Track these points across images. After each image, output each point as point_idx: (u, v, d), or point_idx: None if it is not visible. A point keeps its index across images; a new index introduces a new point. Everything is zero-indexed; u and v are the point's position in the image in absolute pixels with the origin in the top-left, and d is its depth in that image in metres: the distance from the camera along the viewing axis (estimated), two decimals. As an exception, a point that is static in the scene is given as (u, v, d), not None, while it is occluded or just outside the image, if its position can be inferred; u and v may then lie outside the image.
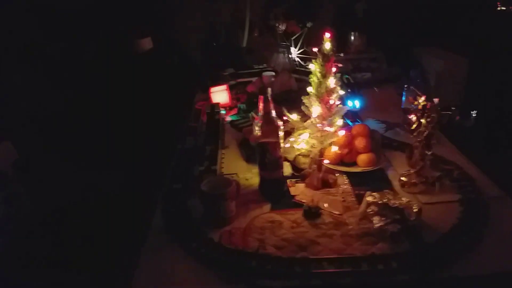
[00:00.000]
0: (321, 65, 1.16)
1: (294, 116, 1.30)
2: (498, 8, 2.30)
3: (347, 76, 1.79)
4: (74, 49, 2.27)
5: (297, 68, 2.25)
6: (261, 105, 1.17)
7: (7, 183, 1.54)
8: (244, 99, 2.02)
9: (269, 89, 1.16)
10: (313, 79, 1.19)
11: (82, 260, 1.46)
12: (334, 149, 1.30)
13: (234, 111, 1.95)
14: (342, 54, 1.22)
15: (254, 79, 2.18)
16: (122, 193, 2.04)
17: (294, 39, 2.25)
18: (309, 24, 2.28)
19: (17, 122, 1.98)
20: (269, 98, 1.16)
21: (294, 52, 2.28)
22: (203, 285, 0.94)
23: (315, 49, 1.18)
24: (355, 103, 1.79)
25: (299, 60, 2.28)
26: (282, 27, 2.28)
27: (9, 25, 2.14)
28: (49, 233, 1.56)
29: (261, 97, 1.16)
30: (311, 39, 2.25)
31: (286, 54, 2.25)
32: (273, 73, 2.10)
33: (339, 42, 2.17)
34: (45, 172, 2.02)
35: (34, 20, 2.21)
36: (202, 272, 0.97)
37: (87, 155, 2.21)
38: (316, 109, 1.19)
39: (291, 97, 1.88)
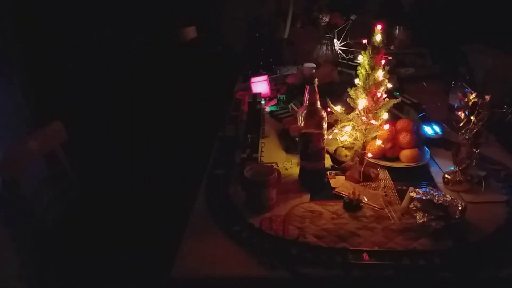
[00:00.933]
0: (370, 57, 1.15)
1: (338, 108, 1.30)
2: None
3: (397, 94, 1.71)
4: (121, 37, 2.34)
5: (339, 60, 2.23)
6: (306, 96, 1.17)
7: (57, 163, 1.61)
8: (283, 90, 2.03)
9: (316, 80, 1.16)
10: (361, 71, 1.18)
11: (123, 244, 1.52)
12: (378, 143, 1.29)
13: (274, 102, 1.96)
14: (392, 47, 1.19)
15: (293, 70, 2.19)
16: (165, 179, 2.10)
17: (337, 31, 2.23)
18: (353, 17, 2.25)
19: (67, 104, 2.07)
20: (315, 89, 1.17)
21: (337, 44, 2.26)
22: (244, 269, 0.96)
23: (364, 41, 1.17)
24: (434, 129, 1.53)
25: (341, 52, 2.26)
26: (326, 19, 2.26)
27: (57, 13, 2.23)
28: (93, 215, 1.62)
29: (307, 87, 1.16)
30: (355, 32, 2.23)
31: (329, 46, 2.24)
32: (314, 65, 2.09)
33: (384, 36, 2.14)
34: (90, 155, 2.11)
35: (80, 8, 2.29)
36: (243, 256, 0.99)
37: (130, 140, 2.29)
38: (362, 102, 1.19)
39: (333, 89, 1.87)
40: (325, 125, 1.20)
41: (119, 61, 2.28)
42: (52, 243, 1.46)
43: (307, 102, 1.18)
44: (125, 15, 2.33)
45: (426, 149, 1.38)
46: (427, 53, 2.27)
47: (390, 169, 1.32)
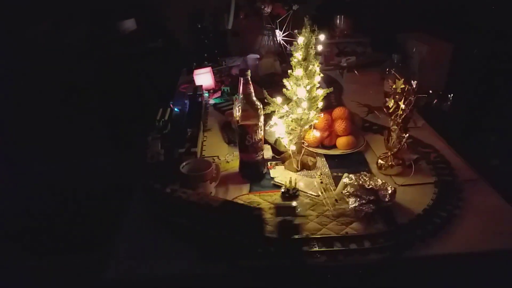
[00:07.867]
0: (302, 48, 1.16)
1: (279, 99, 1.30)
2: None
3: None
4: (56, 31, 2.23)
5: (281, 51, 2.24)
6: (240, 88, 1.17)
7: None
8: (228, 82, 2.02)
9: (249, 71, 1.16)
10: (294, 61, 1.19)
11: (64, 240, 1.48)
12: (314, 132, 1.31)
13: (218, 94, 1.95)
14: (323, 37, 1.21)
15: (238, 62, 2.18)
16: (105, 174, 2.04)
17: (279, 22, 2.23)
18: (295, 7, 2.25)
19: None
20: (249, 80, 1.16)
21: (279, 35, 2.26)
22: (181, 262, 0.95)
23: (296, 31, 1.18)
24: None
25: (284, 43, 2.27)
26: (268, 9, 2.25)
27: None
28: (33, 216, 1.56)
29: (241, 79, 1.16)
30: (297, 22, 2.23)
31: (271, 37, 2.24)
32: (258, 56, 2.09)
33: (325, 26, 2.16)
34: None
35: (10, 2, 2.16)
36: (181, 250, 0.98)
37: (66, 138, 2.20)
38: (296, 92, 1.20)
39: (275, 80, 1.88)
40: (261, 116, 1.20)
41: (54, 57, 2.17)
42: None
43: (242, 93, 1.17)
44: (60, 9, 2.22)
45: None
46: (367, 41, 2.32)
47: (327, 157, 1.35)
